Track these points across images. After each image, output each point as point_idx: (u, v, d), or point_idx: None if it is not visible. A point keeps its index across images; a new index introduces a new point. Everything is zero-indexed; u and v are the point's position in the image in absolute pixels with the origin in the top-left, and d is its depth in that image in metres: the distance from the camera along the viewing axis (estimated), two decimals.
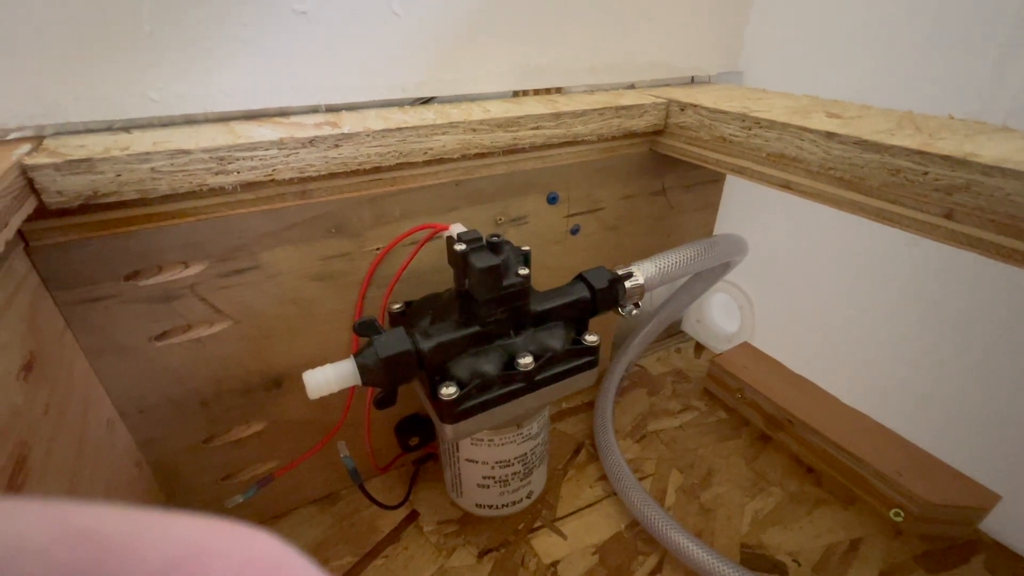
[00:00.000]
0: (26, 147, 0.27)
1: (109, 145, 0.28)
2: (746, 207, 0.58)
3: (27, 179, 0.25)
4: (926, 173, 0.29)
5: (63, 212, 0.27)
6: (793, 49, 0.50)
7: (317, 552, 0.43)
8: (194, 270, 0.33)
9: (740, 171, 0.40)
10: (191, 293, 0.33)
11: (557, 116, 0.39)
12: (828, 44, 0.47)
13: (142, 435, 0.36)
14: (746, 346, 0.61)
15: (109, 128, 0.31)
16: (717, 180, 0.57)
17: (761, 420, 0.54)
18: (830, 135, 0.32)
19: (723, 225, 0.60)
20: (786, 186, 0.37)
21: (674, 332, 0.71)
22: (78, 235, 0.29)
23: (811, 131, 0.34)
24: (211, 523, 0.09)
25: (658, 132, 0.46)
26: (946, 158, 0.27)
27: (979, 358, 0.42)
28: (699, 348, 0.68)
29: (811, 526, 0.45)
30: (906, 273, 0.45)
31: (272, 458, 0.42)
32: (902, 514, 0.43)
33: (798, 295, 0.56)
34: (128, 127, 0.32)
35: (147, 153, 0.27)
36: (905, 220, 0.31)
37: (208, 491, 0.40)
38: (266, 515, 0.45)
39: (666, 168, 0.50)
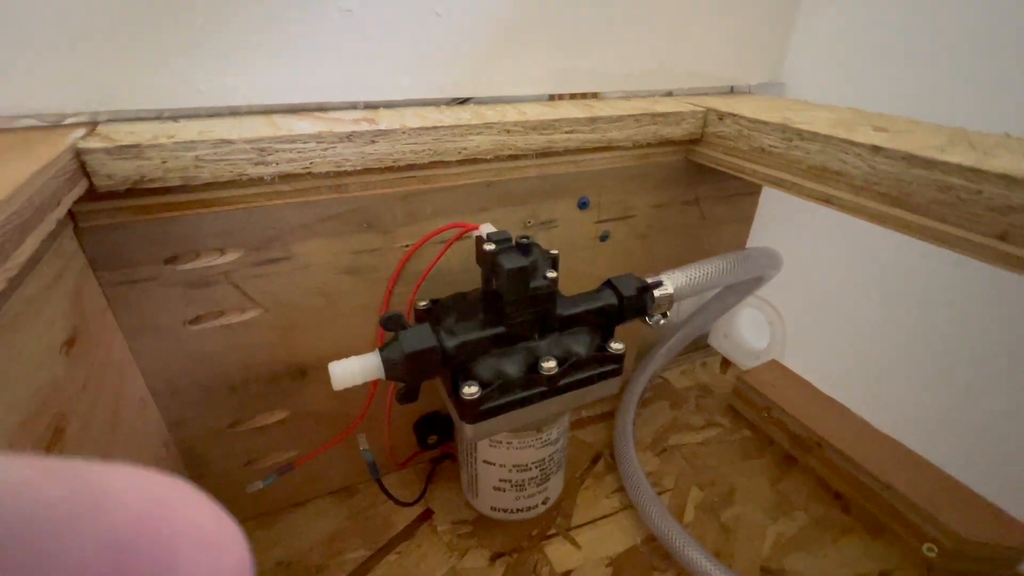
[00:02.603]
0: (81, 132, 0.29)
1: (157, 133, 0.29)
2: (782, 221, 0.56)
3: (80, 162, 0.26)
4: (980, 192, 0.27)
5: (111, 195, 0.28)
6: (838, 62, 0.48)
7: (332, 543, 0.43)
8: (229, 257, 0.34)
9: (778, 183, 0.39)
10: (225, 280, 0.34)
11: (592, 121, 0.39)
12: (875, 57, 0.45)
13: (172, 416, 0.37)
14: (775, 364, 0.59)
15: (158, 117, 0.33)
16: (753, 192, 0.56)
17: (787, 441, 0.52)
18: (876, 149, 0.31)
19: (757, 238, 0.59)
20: (827, 200, 0.36)
21: (700, 346, 0.70)
22: (124, 218, 0.30)
23: (856, 144, 0.33)
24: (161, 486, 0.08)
25: (695, 141, 0.45)
26: (1003, 177, 0.26)
27: None
28: (725, 364, 0.67)
29: (837, 554, 0.43)
30: (951, 296, 0.43)
31: (293, 447, 0.43)
32: (936, 549, 0.41)
33: (832, 314, 0.54)
34: (176, 116, 0.33)
35: (192, 142, 0.28)
36: (954, 240, 0.29)
37: (231, 475, 0.41)
38: (285, 503, 0.46)
39: (701, 178, 0.49)
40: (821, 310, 0.55)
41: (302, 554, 0.43)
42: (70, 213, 0.28)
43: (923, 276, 0.45)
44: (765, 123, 0.38)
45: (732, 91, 0.53)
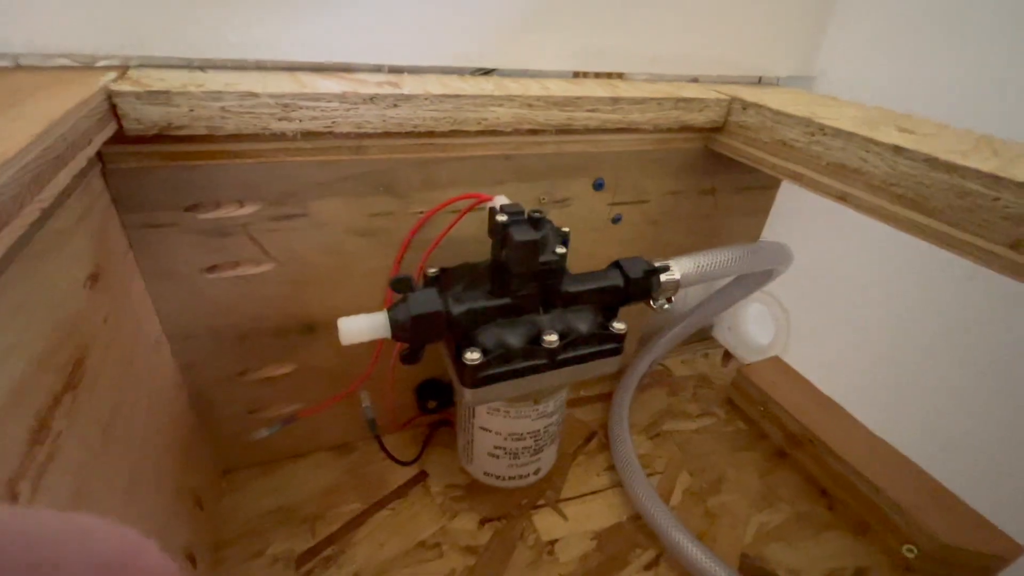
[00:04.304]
0: (112, 75, 0.29)
1: (186, 81, 0.29)
2: (797, 218, 0.56)
3: (111, 104, 0.27)
4: (997, 199, 0.27)
5: (138, 139, 0.29)
6: (872, 60, 0.47)
7: (328, 496, 0.45)
8: (248, 210, 0.34)
9: (796, 177, 0.38)
10: (242, 232, 0.35)
11: (615, 101, 0.38)
12: (911, 58, 0.44)
13: (184, 359, 0.38)
14: (776, 360, 0.59)
15: (188, 66, 0.33)
16: (770, 186, 0.55)
17: (780, 436, 0.53)
18: (898, 149, 0.31)
19: (770, 234, 0.59)
20: (842, 198, 0.35)
21: (704, 337, 0.70)
22: (149, 163, 0.31)
23: (878, 143, 0.32)
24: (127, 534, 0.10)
25: (716, 129, 0.44)
26: (1022, 185, 0.26)
27: None
28: (727, 356, 0.67)
29: (817, 548, 0.44)
30: (959, 307, 0.43)
31: (298, 400, 0.44)
32: (915, 551, 0.42)
33: (839, 315, 0.54)
34: (204, 66, 0.33)
35: (219, 92, 0.29)
36: (966, 246, 0.29)
37: (236, 421, 0.43)
38: (286, 454, 0.48)
39: (719, 168, 0.49)
40: (828, 310, 0.55)
41: (299, 503, 0.44)
42: (99, 154, 0.29)
43: (933, 284, 0.45)
44: (789, 116, 0.38)
45: (760, 82, 0.52)
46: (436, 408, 0.48)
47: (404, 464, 0.47)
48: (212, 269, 0.36)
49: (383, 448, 0.42)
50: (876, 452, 0.48)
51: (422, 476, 0.48)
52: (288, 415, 0.44)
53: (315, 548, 0.41)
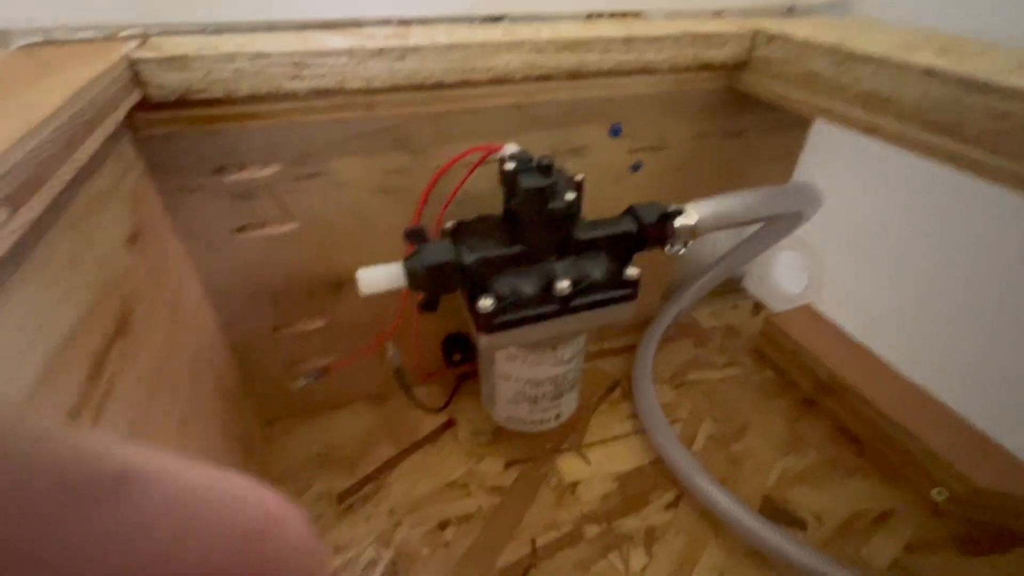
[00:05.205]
0: (134, 43, 0.31)
1: (202, 45, 0.30)
2: (830, 160, 0.53)
3: (134, 71, 0.29)
4: None
5: (164, 106, 0.31)
6: None
7: (364, 440, 0.48)
8: (270, 171, 0.36)
9: (825, 112, 0.37)
10: (266, 193, 0.37)
11: (628, 41, 0.37)
12: None
13: (223, 316, 0.41)
14: (807, 308, 0.58)
15: (203, 30, 0.34)
16: (801, 127, 0.52)
17: (810, 384, 0.52)
18: (931, 72, 0.29)
19: (802, 178, 0.56)
20: (873, 129, 0.33)
21: (734, 288, 0.69)
22: (176, 128, 0.32)
23: (911, 67, 0.30)
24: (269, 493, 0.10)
25: (739, 66, 0.42)
26: None
27: None
28: (757, 307, 0.66)
29: (843, 490, 0.44)
30: (1006, 251, 0.41)
31: (331, 352, 0.47)
32: (945, 493, 0.41)
33: (873, 261, 0.52)
34: (220, 30, 0.34)
35: (232, 54, 0.30)
36: (1003, 174, 0.27)
37: (277, 373, 0.46)
38: (326, 404, 0.51)
39: (745, 108, 0.47)
40: (862, 256, 0.53)
41: (338, 448, 0.48)
42: (129, 122, 0.31)
43: (978, 228, 0.42)
44: (816, 45, 0.36)
45: (791, 11, 0.48)
46: (461, 361, 0.50)
47: (432, 411, 0.50)
48: (242, 229, 0.38)
49: (411, 397, 0.45)
50: (909, 397, 0.47)
51: (450, 423, 0.50)
52: (321, 368, 0.47)
53: (354, 487, 0.44)
